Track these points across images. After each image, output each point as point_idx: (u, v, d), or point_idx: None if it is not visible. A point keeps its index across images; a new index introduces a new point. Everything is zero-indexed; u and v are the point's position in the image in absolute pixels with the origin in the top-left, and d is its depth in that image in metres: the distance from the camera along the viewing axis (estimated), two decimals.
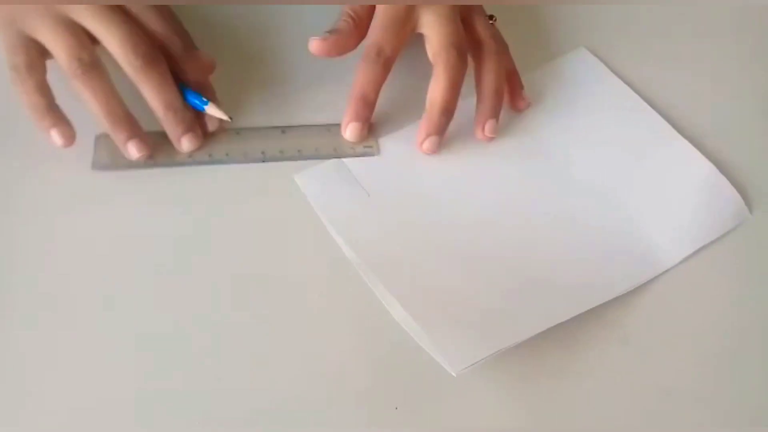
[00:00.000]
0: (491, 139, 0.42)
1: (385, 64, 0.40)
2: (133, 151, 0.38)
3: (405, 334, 0.35)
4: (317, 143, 0.41)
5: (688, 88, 0.46)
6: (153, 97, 0.38)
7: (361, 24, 0.41)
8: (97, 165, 0.39)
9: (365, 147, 0.42)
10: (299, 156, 0.41)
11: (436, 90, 0.40)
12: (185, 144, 0.39)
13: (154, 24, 0.39)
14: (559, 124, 0.44)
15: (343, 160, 0.41)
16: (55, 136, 0.38)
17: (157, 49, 0.38)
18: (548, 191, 0.41)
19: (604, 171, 0.42)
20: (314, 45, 0.41)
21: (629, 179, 0.42)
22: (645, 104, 0.45)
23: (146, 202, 0.38)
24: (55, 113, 0.38)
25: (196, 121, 0.40)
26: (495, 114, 0.42)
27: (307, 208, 0.39)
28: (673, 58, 0.48)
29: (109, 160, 0.39)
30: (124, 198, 0.39)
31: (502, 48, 0.43)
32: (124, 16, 0.38)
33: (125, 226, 0.38)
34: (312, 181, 0.40)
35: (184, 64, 0.40)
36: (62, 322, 0.34)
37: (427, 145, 0.41)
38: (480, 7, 0.44)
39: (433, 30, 0.40)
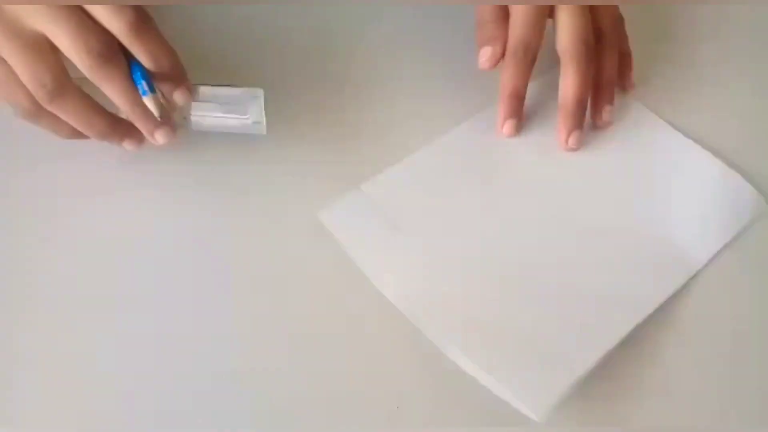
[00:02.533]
0: (609, 123, 0.43)
1: (532, 60, 0.41)
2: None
3: (406, 334, 0.35)
4: None
5: (691, 87, 0.46)
6: (116, 97, 0.35)
7: (500, 19, 0.42)
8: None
9: None
10: None
11: (567, 85, 0.41)
12: (159, 137, 0.37)
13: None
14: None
15: (363, 190, 0.39)
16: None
17: (112, 44, 0.34)
18: (569, 210, 0.40)
19: (614, 181, 0.41)
20: (489, 63, 0.42)
21: (643, 187, 0.41)
22: (647, 111, 0.44)
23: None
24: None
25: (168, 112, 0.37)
26: (610, 101, 0.43)
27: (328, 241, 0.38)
28: (673, 59, 0.47)
29: None
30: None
31: (617, 25, 0.44)
32: (77, 13, 0.33)
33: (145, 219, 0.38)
34: (337, 217, 0.38)
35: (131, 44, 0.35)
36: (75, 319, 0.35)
37: (572, 140, 0.42)
38: None
39: (564, 23, 0.41)
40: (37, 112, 0.35)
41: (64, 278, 0.36)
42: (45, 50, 0.34)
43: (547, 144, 0.43)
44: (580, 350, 0.34)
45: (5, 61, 0.33)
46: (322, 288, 0.36)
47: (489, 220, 0.39)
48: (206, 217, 0.39)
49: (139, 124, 0.37)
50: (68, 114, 0.35)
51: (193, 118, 0.38)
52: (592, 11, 0.41)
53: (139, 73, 0.35)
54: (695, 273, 0.37)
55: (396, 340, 0.35)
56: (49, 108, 0.34)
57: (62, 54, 0.33)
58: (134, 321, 0.35)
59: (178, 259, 0.37)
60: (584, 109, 0.42)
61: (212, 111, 0.38)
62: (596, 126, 0.43)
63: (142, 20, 0.34)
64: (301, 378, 0.34)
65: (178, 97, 0.37)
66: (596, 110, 0.43)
